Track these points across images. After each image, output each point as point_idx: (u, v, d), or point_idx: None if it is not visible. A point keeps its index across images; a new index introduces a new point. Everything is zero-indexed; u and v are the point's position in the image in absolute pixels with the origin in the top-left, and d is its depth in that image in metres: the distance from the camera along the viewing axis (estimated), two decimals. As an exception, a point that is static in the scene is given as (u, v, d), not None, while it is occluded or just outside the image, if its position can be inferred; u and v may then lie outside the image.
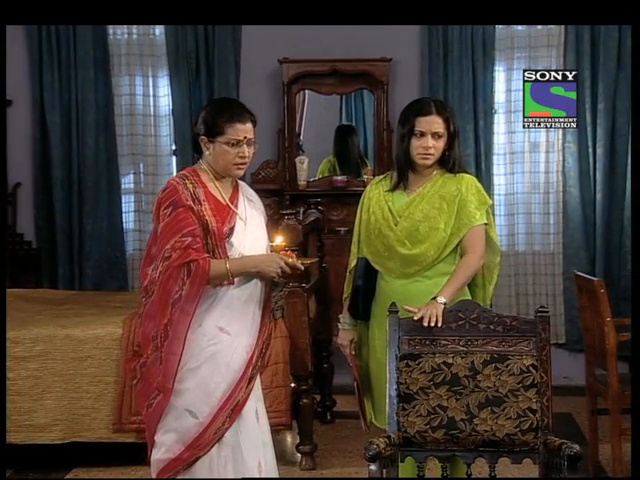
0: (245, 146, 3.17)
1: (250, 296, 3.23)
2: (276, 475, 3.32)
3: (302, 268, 3.26)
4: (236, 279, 3.15)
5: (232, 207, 3.22)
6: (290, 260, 3.18)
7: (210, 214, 3.13)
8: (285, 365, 4.52)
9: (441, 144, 3.46)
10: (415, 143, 3.45)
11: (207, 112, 3.22)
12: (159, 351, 3.11)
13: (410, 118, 3.47)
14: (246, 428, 3.20)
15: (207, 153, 3.20)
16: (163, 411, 3.14)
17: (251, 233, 3.25)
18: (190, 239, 3.08)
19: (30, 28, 6.36)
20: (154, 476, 3.21)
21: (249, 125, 3.19)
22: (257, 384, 3.28)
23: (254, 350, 3.23)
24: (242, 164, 3.19)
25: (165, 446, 3.16)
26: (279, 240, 3.25)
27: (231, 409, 3.15)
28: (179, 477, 3.16)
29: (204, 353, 3.13)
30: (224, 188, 3.24)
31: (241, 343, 3.19)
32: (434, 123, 3.43)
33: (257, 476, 3.20)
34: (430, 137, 3.43)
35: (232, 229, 3.18)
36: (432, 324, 3.18)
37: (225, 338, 3.16)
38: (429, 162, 3.47)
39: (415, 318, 3.22)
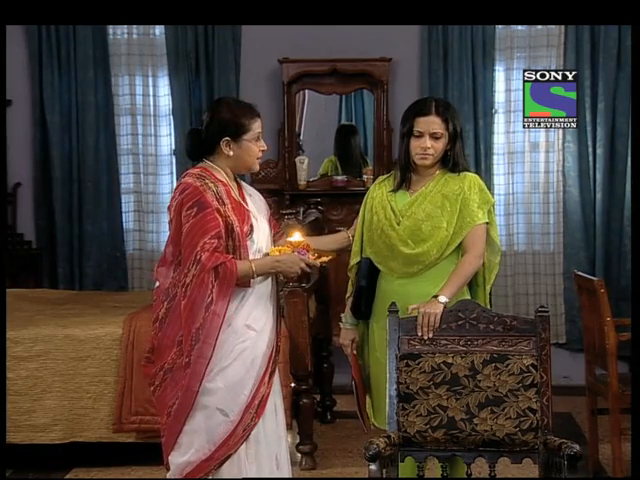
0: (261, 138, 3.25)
1: (270, 292, 3.27)
2: (288, 467, 3.34)
3: (318, 265, 3.29)
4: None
5: (244, 205, 3.23)
6: (310, 261, 3.20)
7: (232, 214, 3.14)
8: (285, 365, 4.52)
9: (440, 145, 3.45)
10: (414, 143, 3.44)
11: (226, 114, 3.20)
12: (185, 355, 3.10)
13: (409, 118, 3.47)
14: (268, 423, 3.23)
15: (230, 154, 3.19)
16: (183, 416, 3.12)
17: (262, 229, 3.28)
18: (217, 241, 3.08)
19: (30, 28, 6.36)
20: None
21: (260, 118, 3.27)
22: (276, 378, 3.31)
23: (274, 344, 3.27)
24: (261, 157, 3.27)
25: (194, 448, 3.14)
26: (297, 236, 3.24)
27: (257, 405, 3.17)
28: (210, 477, 3.16)
29: (235, 351, 3.15)
30: (233, 187, 3.25)
31: (264, 339, 3.22)
32: (432, 123, 3.41)
33: (274, 470, 3.23)
34: (428, 137, 3.41)
35: (251, 227, 3.20)
36: (429, 335, 3.20)
37: (252, 335, 3.18)
38: (427, 162, 3.46)
39: (418, 320, 3.22)
